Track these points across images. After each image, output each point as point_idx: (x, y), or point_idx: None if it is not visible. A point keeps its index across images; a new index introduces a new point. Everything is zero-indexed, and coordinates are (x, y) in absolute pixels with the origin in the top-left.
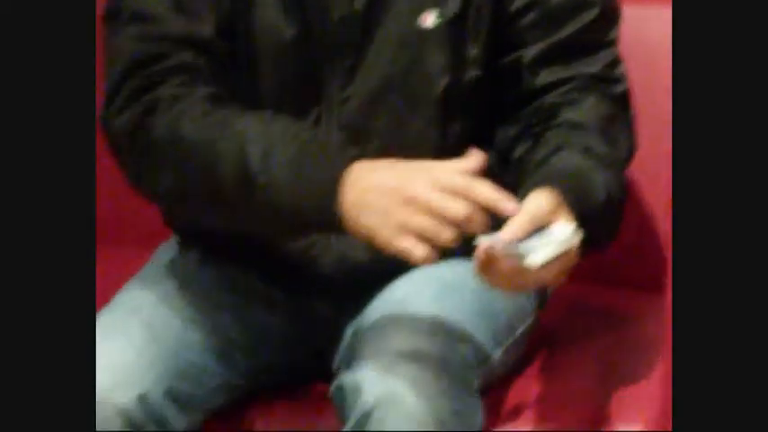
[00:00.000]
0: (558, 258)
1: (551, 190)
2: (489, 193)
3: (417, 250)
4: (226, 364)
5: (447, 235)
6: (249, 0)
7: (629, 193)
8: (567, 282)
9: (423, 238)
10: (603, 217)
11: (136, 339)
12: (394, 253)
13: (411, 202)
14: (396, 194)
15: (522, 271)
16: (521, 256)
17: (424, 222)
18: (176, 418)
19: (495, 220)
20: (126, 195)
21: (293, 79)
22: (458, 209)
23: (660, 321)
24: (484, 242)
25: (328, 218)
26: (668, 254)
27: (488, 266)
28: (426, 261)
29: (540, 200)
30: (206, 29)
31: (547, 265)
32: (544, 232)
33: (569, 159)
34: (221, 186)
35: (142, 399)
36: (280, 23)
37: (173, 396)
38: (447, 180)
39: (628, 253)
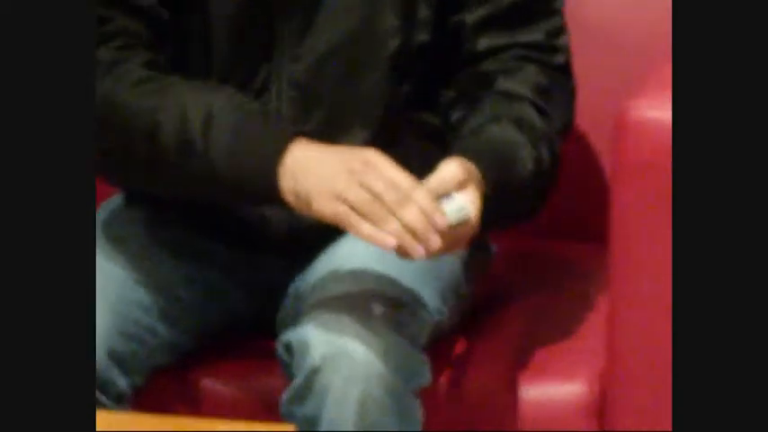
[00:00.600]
0: (452, 228)
1: (471, 161)
2: (426, 201)
3: (352, 218)
4: (170, 322)
5: (379, 217)
6: None
7: (565, 157)
8: (512, 237)
9: (357, 211)
10: (528, 190)
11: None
12: (327, 220)
13: (354, 174)
14: (339, 164)
15: (429, 222)
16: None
17: (361, 196)
18: (119, 379)
19: None
20: None
21: (244, 37)
22: (395, 199)
23: (603, 271)
24: None
25: (267, 186)
26: (608, 205)
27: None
28: (371, 234)
29: (452, 168)
30: None
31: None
32: (445, 200)
33: (500, 131)
34: (162, 153)
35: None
36: None
37: (115, 358)
38: (392, 175)
39: (570, 206)
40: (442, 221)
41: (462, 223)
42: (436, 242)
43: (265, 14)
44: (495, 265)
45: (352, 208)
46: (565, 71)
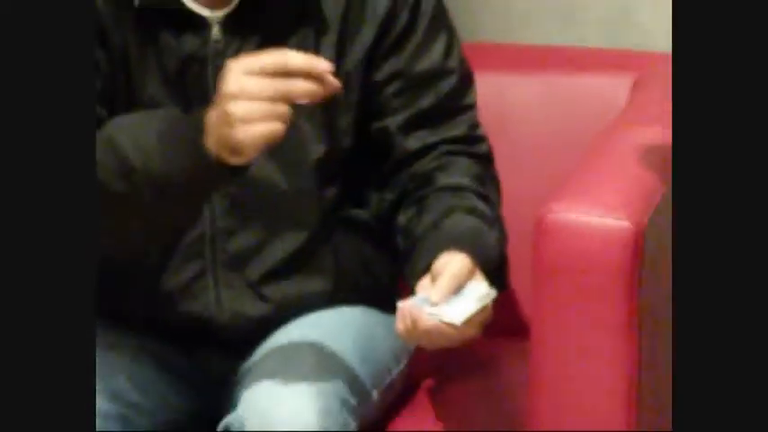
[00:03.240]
0: (476, 314)
1: (461, 252)
2: (300, 59)
3: (266, 128)
4: (126, 427)
5: (280, 109)
6: (130, 77)
7: None
8: None
9: (264, 118)
10: (500, 270)
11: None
12: (257, 144)
13: (236, 98)
14: (223, 100)
15: (443, 329)
16: (441, 315)
17: (253, 107)
18: None
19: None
20: None
21: None
22: (273, 85)
23: (524, 365)
24: (407, 304)
25: (204, 163)
26: (529, 303)
27: (413, 326)
28: (277, 134)
29: (458, 262)
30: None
31: (467, 321)
32: (467, 291)
33: (461, 222)
34: (108, 186)
35: None
36: (162, 101)
37: None
38: (255, 64)
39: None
40: (324, 64)
41: (484, 308)
42: (325, 66)
43: None
44: (417, 359)
45: (259, 120)
46: (489, 158)
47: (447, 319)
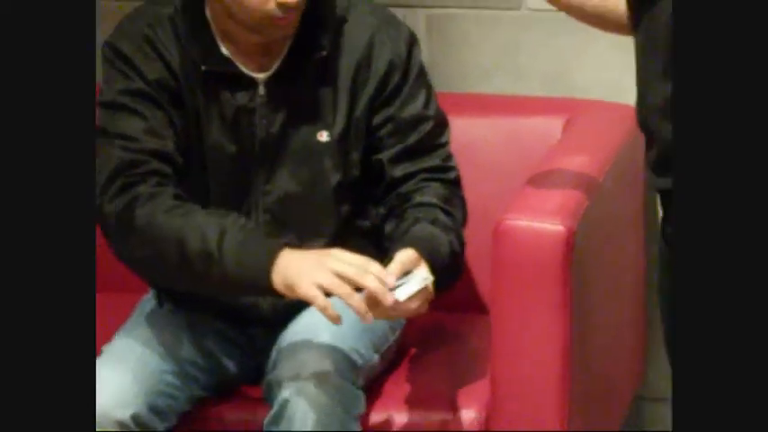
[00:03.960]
0: (418, 293)
1: (414, 248)
2: (376, 287)
3: (320, 300)
4: (191, 383)
5: (344, 290)
6: (197, 126)
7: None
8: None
9: (328, 290)
10: (448, 266)
11: (129, 372)
12: (306, 299)
13: (323, 264)
14: (313, 259)
15: (396, 305)
16: (393, 295)
17: (329, 279)
18: (158, 425)
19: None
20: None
21: (232, 180)
22: (355, 272)
23: (485, 336)
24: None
25: (264, 284)
26: (488, 284)
27: (374, 303)
28: (326, 308)
29: (406, 254)
30: (169, 145)
31: (411, 299)
32: (409, 276)
33: (423, 228)
34: (187, 261)
35: (134, 417)
36: (224, 143)
37: (155, 410)
38: (346, 267)
39: (460, 285)
40: (390, 281)
41: (426, 287)
42: (390, 298)
43: (244, 166)
44: (407, 330)
45: (325, 288)
46: (457, 183)
47: (396, 297)
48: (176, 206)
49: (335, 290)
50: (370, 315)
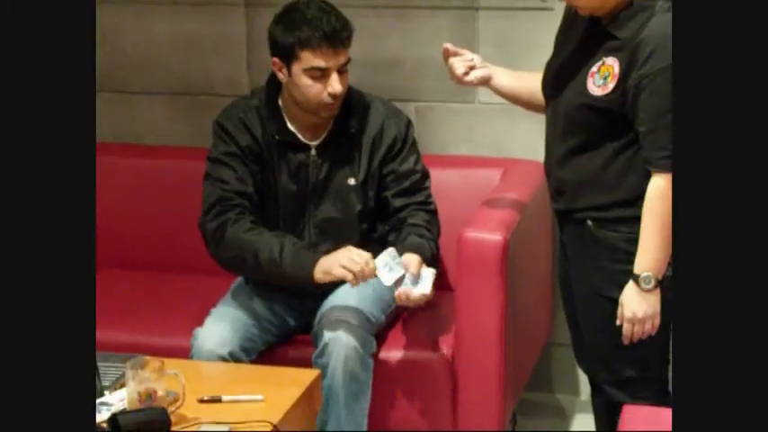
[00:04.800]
0: (433, 285)
1: (414, 254)
2: (371, 267)
3: (347, 275)
4: (267, 332)
5: (356, 268)
6: (273, 174)
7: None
8: None
9: (347, 269)
10: (430, 262)
11: (227, 325)
12: (338, 278)
13: (344, 256)
14: (339, 254)
15: (420, 296)
16: (420, 290)
17: (349, 263)
18: (245, 359)
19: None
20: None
21: (294, 208)
22: (361, 262)
23: (451, 305)
24: (401, 288)
25: (308, 279)
26: (455, 274)
27: (407, 299)
28: (349, 277)
29: (416, 259)
30: (250, 189)
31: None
32: (422, 276)
33: (415, 240)
34: (259, 264)
35: (231, 353)
36: (289, 185)
37: (244, 349)
38: (357, 254)
39: (436, 273)
40: (371, 268)
41: (433, 282)
42: (417, 293)
43: (302, 199)
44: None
45: (345, 267)
46: (435, 212)
47: (423, 292)
48: (252, 228)
49: (352, 267)
50: (356, 282)
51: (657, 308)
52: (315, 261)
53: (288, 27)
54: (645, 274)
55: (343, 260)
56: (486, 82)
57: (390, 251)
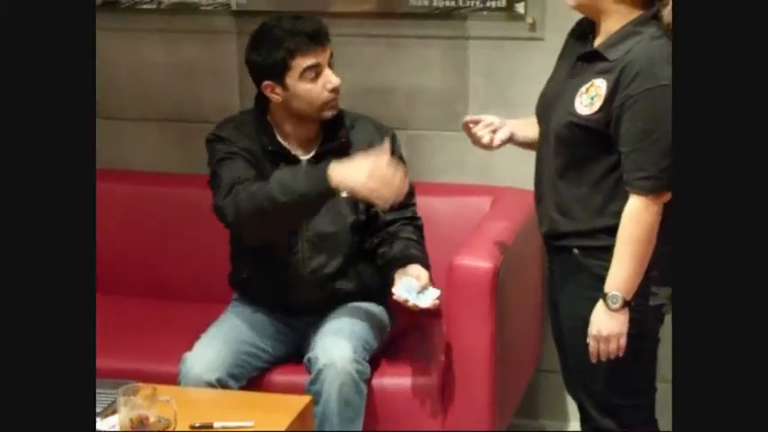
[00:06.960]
0: (437, 296)
1: (416, 263)
2: (399, 180)
3: (379, 158)
4: (257, 358)
5: (390, 179)
6: (262, 173)
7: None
8: (406, 314)
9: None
10: (427, 269)
11: (215, 350)
12: (369, 166)
13: (371, 165)
14: (364, 163)
15: (412, 305)
16: (419, 302)
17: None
18: (233, 385)
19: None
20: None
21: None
22: (392, 175)
23: (440, 332)
24: (397, 293)
25: (327, 185)
26: (445, 302)
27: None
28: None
29: (423, 270)
30: (252, 176)
31: (436, 299)
32: (431, 288)
33: (414, 251)
34: (275, 201)
35: (219, 380)
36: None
37: (233, 375)
38: (384, 168)
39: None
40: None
41: (437, 296)
42: (425, 303)
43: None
44: (393, 327)
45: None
46: (422, 228)
47: (419, 304)
48: (258, 185)
49: (386, 180)
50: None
51: (624, 328)
52: (325, 167)
53: (271, 45)
54: (612, 293)
55: (371, 182)
56: (509, 141)
57: (407, 281)
